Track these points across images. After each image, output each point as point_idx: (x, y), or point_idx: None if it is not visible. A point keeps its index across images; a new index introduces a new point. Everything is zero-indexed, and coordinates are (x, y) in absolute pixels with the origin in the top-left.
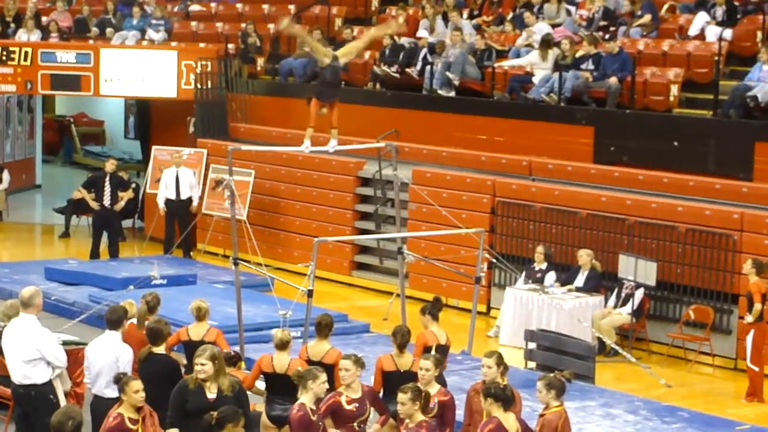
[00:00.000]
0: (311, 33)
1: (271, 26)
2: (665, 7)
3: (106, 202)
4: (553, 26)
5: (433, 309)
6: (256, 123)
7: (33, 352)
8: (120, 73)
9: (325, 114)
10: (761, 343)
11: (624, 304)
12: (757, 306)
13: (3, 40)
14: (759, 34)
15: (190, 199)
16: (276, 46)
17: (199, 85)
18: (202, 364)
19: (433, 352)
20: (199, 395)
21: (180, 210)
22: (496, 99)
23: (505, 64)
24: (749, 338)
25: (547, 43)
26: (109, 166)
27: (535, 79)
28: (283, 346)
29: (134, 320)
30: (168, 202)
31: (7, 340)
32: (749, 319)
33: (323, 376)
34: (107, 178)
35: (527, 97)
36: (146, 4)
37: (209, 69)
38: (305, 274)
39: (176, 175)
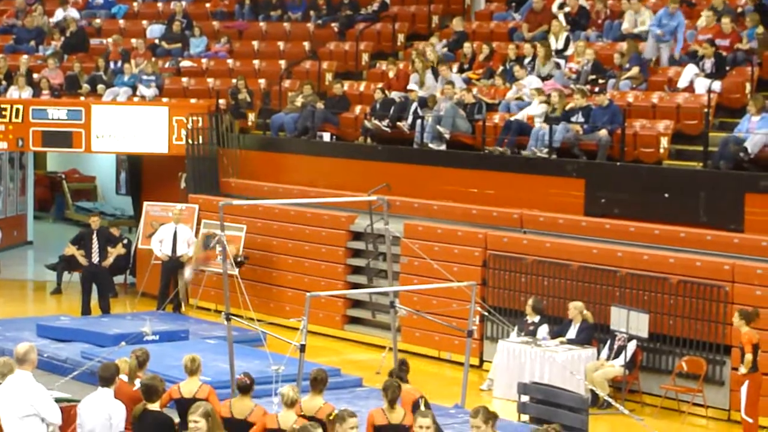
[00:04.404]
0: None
1: (261, 81)
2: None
3: (95, 258)
4: (543, 79)
5: (401, 372)
6: (247, 178)
7: (27, 408)
8: (111, 129)
9: None
10: (756, 394)
11: (617, 356)
12: (748, 357)
13: None
14: (748, 86)
15: (185, 256)
16: (267, 101)
17: (190, 141)
18: (196, 422)
19: (421, 406)
20: None
21: (177, 266)
22: (487, 152)
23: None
24: (743, 389)
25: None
26: (94, 222)
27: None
28: (292, 404)
29: (124, 376)
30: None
31: (2, 396)
32: (743, 370)
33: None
34: (94, 235)
35: (520, 150)
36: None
37: (200, 124)
38: (298, 329)
39: (174, 231)
